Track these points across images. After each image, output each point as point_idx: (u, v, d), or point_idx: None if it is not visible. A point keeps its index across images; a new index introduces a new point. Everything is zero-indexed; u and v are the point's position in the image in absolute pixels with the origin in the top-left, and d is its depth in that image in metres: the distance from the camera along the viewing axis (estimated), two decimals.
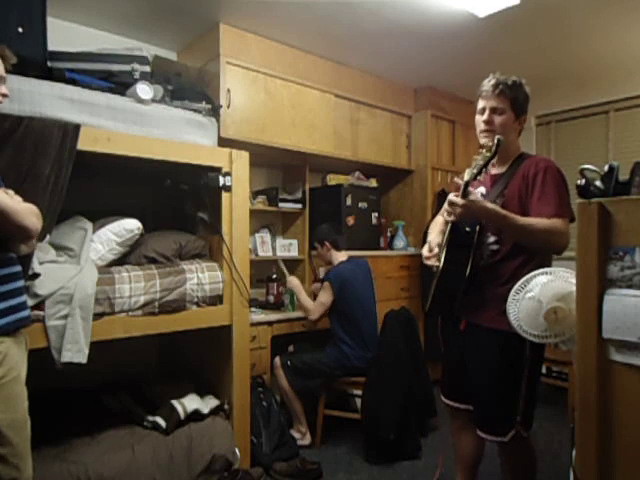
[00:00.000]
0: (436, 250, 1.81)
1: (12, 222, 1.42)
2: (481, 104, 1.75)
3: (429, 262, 1.81)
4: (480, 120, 1.75)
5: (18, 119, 1.80)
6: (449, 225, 1.72)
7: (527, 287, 1.59)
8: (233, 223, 2.47)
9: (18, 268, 1.53)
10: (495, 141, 1.50)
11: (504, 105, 1.69)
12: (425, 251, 1.86)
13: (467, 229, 1.71)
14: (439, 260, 1.78)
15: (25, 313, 1.54)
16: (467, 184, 1.57)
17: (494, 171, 1.79)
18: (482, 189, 1.82)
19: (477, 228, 1.73)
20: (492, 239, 1.75)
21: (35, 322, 1.84)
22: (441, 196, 4.00)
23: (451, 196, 1.55)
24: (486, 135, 1.72)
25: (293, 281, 3.08)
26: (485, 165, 1.51)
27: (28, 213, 1.48)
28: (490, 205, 1.59)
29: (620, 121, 3.78)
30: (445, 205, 1.58)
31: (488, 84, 1.72)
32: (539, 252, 1.72)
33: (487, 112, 1.72)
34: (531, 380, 1.73)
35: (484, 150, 1.54)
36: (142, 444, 2.15)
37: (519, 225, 1.59)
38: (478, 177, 1.55)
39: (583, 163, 1.41)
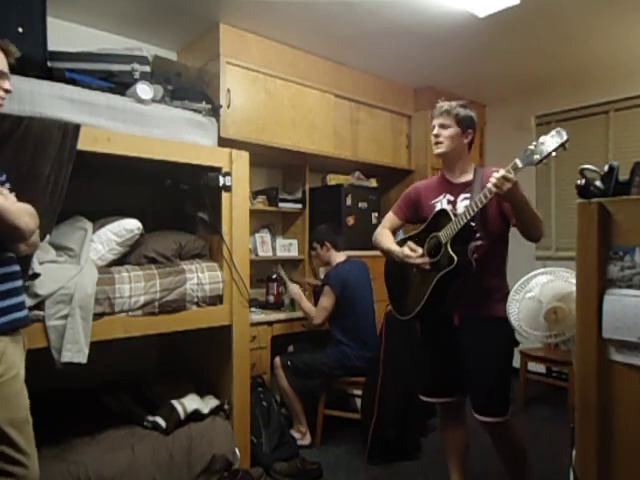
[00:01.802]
0: (420, 250, 1.93)
1: (5, 222, 1.40)
2: (432, 123, 2.01)
3: (418, 261, 1.91)
4: (432, 135, 2.01)
5: (18, 119, 1.80)
6: (459, 221, 1.82)
7: (527, 287, 1.59)
8: (233, 223, 2.47)
9: (16, 267, 1.52)
10: (563, 131, 1.61)
11: (449, 121, 1.95)
12: (407, 251, 1.95)
13: (472, 224, 1.82)
14: (433, 256, 1.90)
15: (23, 313, 1.53)
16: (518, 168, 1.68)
17: (457, 180, 2.00)
18: (448, 196, 1.99)
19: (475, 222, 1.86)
20: (477, 235, 1.89)
21: (35, 322, 1.84)
22: None
23: (504, 172, 1.67)
24: (437, 147, 1.99)
25: (294, 289, 3.08)
26: (551, 152, 1.61)
27: (21, 213, 1.45)
28: (522, 190, 1.75)
29: (620, 121, 3.77)
30: (492, 179, 1.68)
31: (436, 107, 2.00)
32: (507, 246, 1.99)
33: (436, 128, 1.98)
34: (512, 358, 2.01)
35: (540, 140, 1.63)
36: (142, 444, 2.15)
37: (535, 212, 1.80)
38: (544, 161, 1.65)
39: (583, 163, 1.41)
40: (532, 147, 1.64)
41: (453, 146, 1.96)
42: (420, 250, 1.93)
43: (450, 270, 1.81)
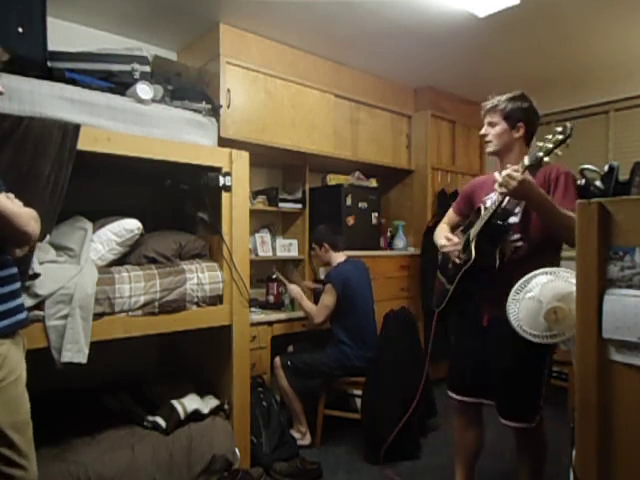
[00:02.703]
0: (456, 239, 1.93)
1: (14, 227, 1.41)
2: (483, 121, 1.98)
3: (450, 248, 1.94)
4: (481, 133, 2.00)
5: (18, 119, 1.79)
6: (483, 218, 1.82)
7: (527, 287, 1.59)
8: (233, 223, 2.47)
9: (15, 270, 1.53)
10: (568, 125, 1.59)
11: (496, 119, 1.92)
12: (444, 241, 1.98)
13: (499, 222, 1.80)
14: (464, 251, 1.89)
15: (23, 315, 1.53)
16: (531, 165, 1.67)
17: None
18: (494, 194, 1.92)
19: (509, 221, 1.83)
20: (516, 236, 1.85)
21: (35, 322, 1.84)
22: (441, 196, 4.01)
23: (510, 170, 1.64)
24: (487, 146, 1.96)
25: (294, 289, 3.08)
26: (555, 148, 1.60)
27: (29, 218, 1.47)
28: (540, 188, 1.69)
29: (620, 121, 3.78)
30: (499, 178, 1.66)
31: (482, 105, 1.97)
32: (557, 250, 1.88)
33: (485, 126, 1.96)
34: (550, 366, 1.92)
35: (550, 136, 1.62)
36: (142, 444, 2.15)
37: (560, 212, 1.69)
38: (545, 159, 1.63)
39: (583, 163, 1.41)
40: (540, 144, 1.63)
41: (502, 143, 1.91)
42: (455, 239, 1.94)
43: (469, 267, 1.82)
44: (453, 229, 2.15)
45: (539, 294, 1.54)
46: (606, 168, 1.34)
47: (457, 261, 1.91)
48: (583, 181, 1.34)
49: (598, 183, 1.32)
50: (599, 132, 3.87)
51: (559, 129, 1.59)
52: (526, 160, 1.65)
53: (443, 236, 2.03)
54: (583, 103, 3.92)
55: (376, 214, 3.86)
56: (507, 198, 1.74)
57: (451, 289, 1.93)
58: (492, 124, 1.92)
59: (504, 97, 1.92)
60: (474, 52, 3.34)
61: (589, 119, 3.94)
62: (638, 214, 1.17)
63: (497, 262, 1.80)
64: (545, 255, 1.85)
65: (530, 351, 1.77)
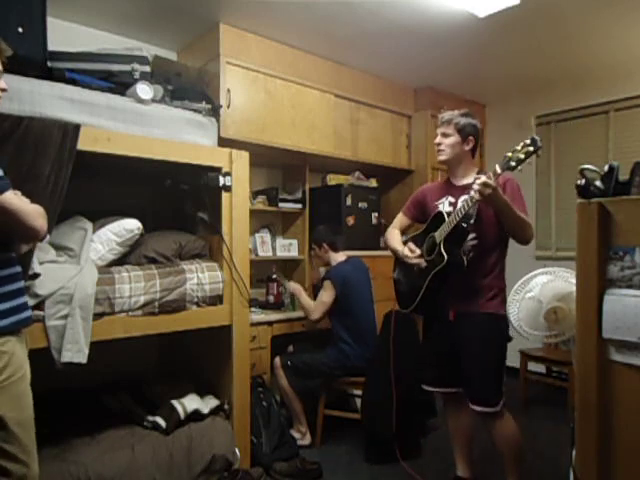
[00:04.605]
0: (418, 251, 2.08)
1: (23, 224, 1.42)
2: (437, 131, 2.17)
3: (414, 261, 2.08)
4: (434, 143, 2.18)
5: (18, 119, 1.79)
6: (451, 222, 1.94)
7: (527, 287, 1.60)
8: (233, 223, 2.47)
9: (19, 268, 1.54)
10: (537, 138, 1.71)
11: (450, 130, 2.10)
12: (407, 251, 2.12)
13: (464, 225, 1.93)
14: (429, 254, 2.04)
15: (27, 313, 1.55)
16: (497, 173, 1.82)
17: (459, 182, 2.14)
18: (450, 198, 2.12)
19: (470, 222, 1.96)
20: (471, 235, 2.01)
21: (35, 322, 1.84)
22: None
23: (486, 178, 1.77)
24: (439, 154, 2.14)
25: (292, 285, 3.10)
26: (526, 159, 1.72)
27: (37, 215, 1.48)
28: (503, 195, 1.88)
29: (620, 121, 3.77)
30: (475, 186, 1.79)
31: (439, 117, 2.16)
32: (506, 246, 2.09)
33: (439, 136, 2.14)
34: (505, 353, 2.08)
35: (520, 147, 1.74)
36: (142, 444, 2.15)
37: (517, 215, 1.90)
38: (518, 168, 1.76)
39: (583, 163, 1.41)
40: (509, 154, 1.76)
41: (454, 153, 2.10)
42: (418, 251, 2.09)
43: (441, 268, 1.94)
44: (403, 232, 2.34)
45: (539, 294, 1.55)
46: (606, 168, 1.33)
47: (423, 266, 2.05)
48: (583, 181, 1.34)
49: (598, 183, 1.32)
50: (599, 132, 3.87)
51: (528, 141, 1.71)
52: (498, 168, 1.78)
53: (402, 247, 2.18)
54: (583, 103, 3.91)
55: (376, 214, 3.86)
56: (471, 202, 1.86)
57: (422, 290, 2.05)
58: (446, 135, 2.10)
59: (457, 112, 2.11)
60: (474, 52, 3.34)
61: (589, 119, 3.94)
62: (638, 214, 1.17)
63: (465, 261, 1.96)
64: (496, 251, 2.06)
65: (493, 340, 2.00)
